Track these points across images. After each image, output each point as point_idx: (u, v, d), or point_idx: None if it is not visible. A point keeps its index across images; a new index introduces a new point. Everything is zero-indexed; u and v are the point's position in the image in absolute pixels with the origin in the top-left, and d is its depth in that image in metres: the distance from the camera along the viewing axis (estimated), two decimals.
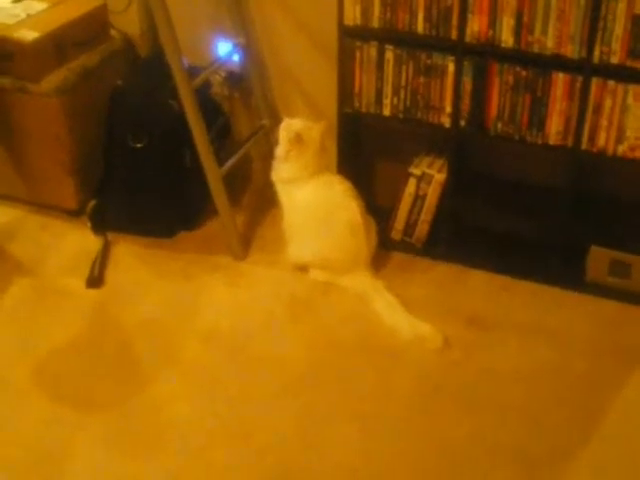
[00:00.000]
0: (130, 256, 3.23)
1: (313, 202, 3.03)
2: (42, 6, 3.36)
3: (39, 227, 3.41)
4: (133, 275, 3.14)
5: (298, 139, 2.95)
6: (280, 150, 3.01)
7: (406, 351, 2.78)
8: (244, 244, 3.22)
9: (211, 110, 3.23)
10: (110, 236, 3.30)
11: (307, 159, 2.99)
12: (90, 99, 3.31)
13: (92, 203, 3.38)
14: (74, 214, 3.42)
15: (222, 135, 3.28)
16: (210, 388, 2.67)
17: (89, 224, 3.34)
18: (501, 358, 2.75)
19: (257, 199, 3.19)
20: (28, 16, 3.28)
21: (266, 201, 3.15)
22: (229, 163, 3.15)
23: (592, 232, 2.98)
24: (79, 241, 3.31)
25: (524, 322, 2.89)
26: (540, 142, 2.84)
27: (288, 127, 2.99)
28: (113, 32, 3.47)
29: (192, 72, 2.99)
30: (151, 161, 3.20)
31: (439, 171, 3.04)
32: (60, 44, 3.21)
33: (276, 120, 3.28)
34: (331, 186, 3.04)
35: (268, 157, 3.14)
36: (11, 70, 3.19)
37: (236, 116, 3.47)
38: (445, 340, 2.79)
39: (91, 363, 2.78)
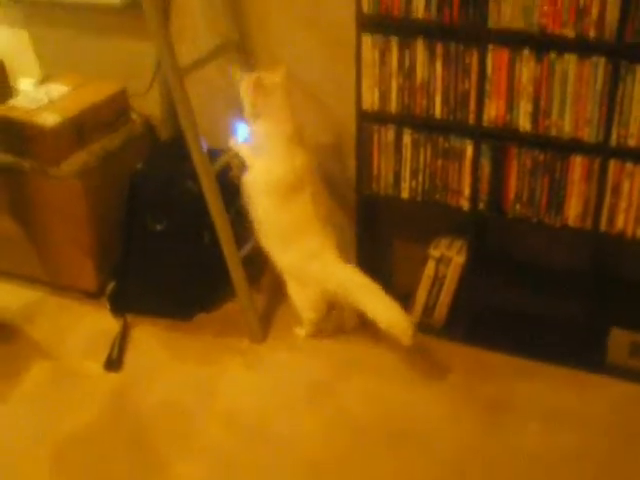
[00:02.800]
0: (149, 338, 3.23)
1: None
2: (64, 90, 3.41)
3: (58, 308, 3.42)
4: (152, 357, 3.13)
5: (259, 84, 2.90)
6: (246, 107, 2.97)
7: (427, 435, 2.75)
8: (263, 326, 3.22)
9: (230, 192, 3.24)
10: (129, 318, 3.30)
11: (277, 107, 2.94)
12: (110, 181, 3.34)
13: (111, 285, 3.39)
14: (93, 296, 3.43)
15: (241, 217, 3.29)
16: (228, 472, 2.65)
17: (108, 306, 3.35)
18: (521, 442, 2.71)
19: (275, 280, 3.19)
20: (50, 100, 3.32)
21: (284, 283, 3.15)
22: (248, 246, 3.16)
23: (612, 314, 2.96)
24: (98, 323, 3.31)
25: (544, 405, 2.86)
26: (559, 224, 2.84)
27: (247, 79, 2.95)
28: (133, 115, 3.52)
29: (211, 155, 3.02)
30: (170, 243, 3.22)
31: (458, 253, 3.05)
32: (81, 128, 3.26)
33: None
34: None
35: None
36: (32, 153, 3.23)
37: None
38: (414, 334, 2.83)
39: (109, 447, 2.76)
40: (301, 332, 3.18)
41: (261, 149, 2.99)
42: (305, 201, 3.01)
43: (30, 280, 3.53)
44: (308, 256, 3.02)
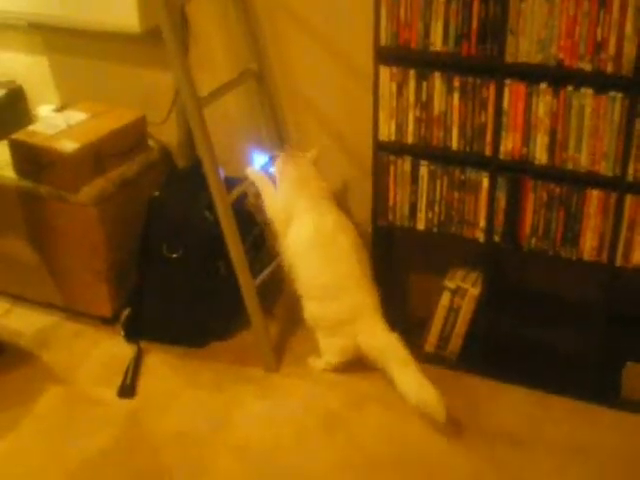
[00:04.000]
0: (163, 365, 3.23)
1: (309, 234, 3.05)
2: (83, 117, 3.43)
3: (73, 334, 3.42)
4: (165, 385, 3.13)
5: (289, 157, 3.06)
6: (277, 175, 3.09)
7: (439, 469, 2.73)
8: (277, 356, 3.21)
9: (246, 220, 3.26)
10: (143, 345, 3.31)
11: (302, 172, 3.06)
12: (127, 208, 3.36)
13: (126, 311, 3.40)
14: (108, 322, 3.43)
15: (257, 246, 3.30)
16: None
17: (122, 332, 3.36)
18: (535, 477, 2.70)
19: (290, 309, 3.19)
20: (69, 126, 3.35)
21: (299, 311, 3.15)
22: (263, 275, 3.17)
23: (627, 348, 2.94)
24: (112, 349, 3.31)
25: (557, 439, 2.84)
26: (574, 258, 2.83)
27: (280, 159, 3.09)
28: (151, 142, 3.54)
29: (228, 183, 3.04)
30: (185, 271, 3.22)
31: (473, 285, 3.04)
32: (99, 155, 3.27)
33: None
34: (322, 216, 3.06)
35: None
36: (50, 179, 3.25)
37: (269, 227, 3.49)
38: (447, 415, 2.80)
39: (120, 474, 2.76)
40: (317, 364, 3.18)
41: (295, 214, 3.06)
42: (348, 257, 3.04)
43: (45, 305, 3.54)
44: (349, 313, 3.04)
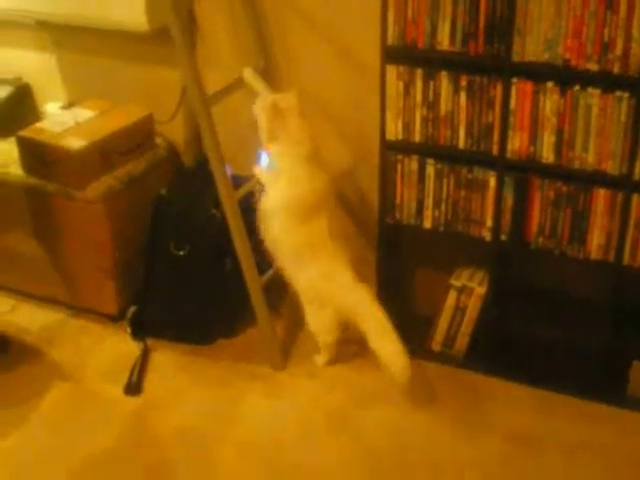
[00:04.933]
0: (169, 363, 3.23)
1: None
2: (90, 114, 3.44)
3: (79, 331, 3.43)
4: (171, 382, 3.14)
5: (275, 108, 2.91)
6: (263, 130, 2.96)
7: (445, 467, 2.73)
8: (283, 354, 3.22)
9: (252, 219, 3.26)
10: (149, 342, 3.31)
11: (294, 129, 2.94)
12: (133, 206, 3.37)
13: (132, 309, 3.40)
14: (114, 319, 3.44)
15: (263, 243, 3.30)
16: None
17: (129, 330, 3.37)
18: (541, 475, 2.70)
19: (296, 307, 3.19)
20: (76, 124, 3.35)
21: (302, 307, 3.15)
22: (269, 272, 3.17)
23: (634, 347, 2.94)
24: (118, 346, 3.32)
25: (563, 437, 2.84)
26: (581, 257, 2.84)
27: (261, 102, 2.96)
28: (158, 140, 3.55)
29: (235, 182, 3.04)
30: (192, 268, 3.23)
31: (480, 284, 3.05)
32: (106, 152, 3.28)
33: None
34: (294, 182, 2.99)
35: None
36: (58, 176, 3.26)
37: None
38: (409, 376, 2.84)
39: (126, 471, 2.76)
40: (320, 360, 3.19)
41: (280, 171, 2.98)
42: (320, 222, 3.00)
43: (52, 302, 3.55)
44: (323, 276, 3.01)
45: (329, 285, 3.01)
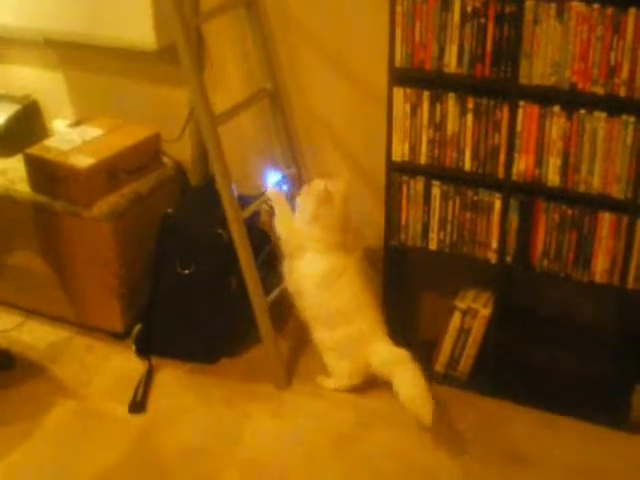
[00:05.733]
0: (173, 381, 3.23)
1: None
2: (97, 132, 3.45)
3: (84, 349, 3.43)
4: (176, 401, 3.14)
5: (327, 195, 2.95)
6: (306, 214, 3.01)
7: None
8: (287, 373, 3.22)
9: (258, 238, 3.27)
10: (154, 360, 3.31)
11: (337, 218, 3.00)
12: (140, 224, 3.37)
13: (137, 327, 3.41)
14: (119, 337, 3.44)
15: (269, 263, 3.31)
16: None
17: (134, 348, 3.37)
18: None
19: (301, 327, 3.19)
20: (83, 142, 3.37)
21: (308, 333, 3.16)
22: (275, 292, 3.17)
23: (637, 371, 2.94)
24: (123, 364, 3.32)
25: (567, 461, 2.83)
26: (586, 280, 2.83)
27: (314, 187, 3.01)
28: (165, 159, 3.56)
29: (242, 201, 3.05)
30: (197, 288, 3.24)
31: (484, 306, 3.05)
32: (113, 171, 3.30)
33: None
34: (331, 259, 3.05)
35: None
36: (64, 194, 3.28)
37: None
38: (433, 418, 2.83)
39: None
40: (326, 384, 3.18)
41: (311, 250, 3.05)
42: (352, 284, 3.06)
43: (57, 319, 3.56)
44: (357, 338, 3.05)
45: (364, 347, 3.05)
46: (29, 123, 3.80)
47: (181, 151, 3.56)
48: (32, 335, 3.51)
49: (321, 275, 3.02)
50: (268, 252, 3.37)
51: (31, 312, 3.61)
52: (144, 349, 3.36)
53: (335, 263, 3.03)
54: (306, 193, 3.03)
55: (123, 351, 3.39)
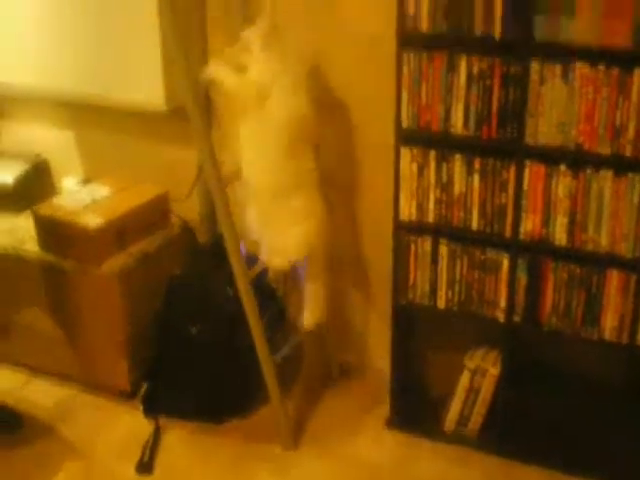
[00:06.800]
0: (181, 442, 3.21)
1: None
2: (106, 191, 3.48)
3: (91, 407, 3.41)
4: (183, 461, 3.11)
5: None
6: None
7: None
8: (295, 433, 3.19)
9: (266, 296, 3.28)
10: (162, 420, 3.30)
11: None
12: (147, 282, 3.38)
13: (145, 386, 3.40)
14: (127, 395, 3.43)
15: (276, 321, 3.31)
16: None
17: (141, 407, 3.36)
18: None
19: (309, 386, 3.19)
20: (93, 201, 3.39)
21: (318, 388, 3.14)
22: (282, 352, 3.18)
23: None
24: (131, 423, 3.30)
25: None
26: (595, 338, 2.83)
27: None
28: (173, 218, 3.58)
29: (249, 259, 3.06)
30: (204, 347, 3.23)
31: (493, 365, 3.03)
32: (122, 230, 3.31)
33: (328, 306, 3.34)
34: None
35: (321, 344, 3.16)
36: (73, 253, 3.29)
37: (290, 301, 3.51)
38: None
39: None
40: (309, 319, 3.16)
41: None
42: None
43: (64, 377, 3.54)
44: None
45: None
46: (39, 181, 3.83)
47: (189, 209, 3.58)
48: (39, 394, 3.49)
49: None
50: (276, 310, 3.37)
51: (37, 370, 3.60)
52: (151, 408, 3.34)
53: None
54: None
55: (130, 410, 3.37)
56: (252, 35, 2.93)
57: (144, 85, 3.32)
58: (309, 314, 3.15)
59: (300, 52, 2.96)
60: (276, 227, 3.01)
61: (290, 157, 2.95)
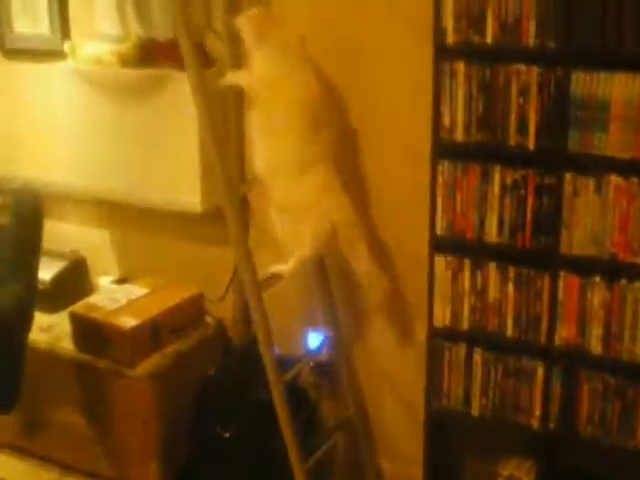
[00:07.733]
0: None
1: None
2: (142, 291, 3.53)
3: None
4: None
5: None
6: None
7: None
8: None
9: (298, 398, 3.26)
10: None
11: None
12: (180, 383, 3.39)
13: None
14: None
15: (309, 424, 3.29)
16: None
17: None
18: None
19: None
20: (128, 301, 3.45)
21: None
22: (315, 456, 3.13)
23: None
24: None
25: None
26: (631, 447, 2.79)
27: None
28: (207, 319, 3.62)
29: (282, 362, 3.06)
30: (237, 450, 3.21)
31: (527, 474, 2.99)
32: (157, 330, 3.35)
33: (362, 411, 3.32)
34: None
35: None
36: (109, 353, 3.33)
37: (323, 404, 3.49)
38: None
39: None
40: (284, 267, 3.04)
41: None
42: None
43: (94, 476, 3.54)
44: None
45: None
46: (76, 279, 3.89)
47: (223, 309, 3.61)
48: None
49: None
50: (308, 412, 3.35)
51: (68, 468, 3.60)
52: None
53: None
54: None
55: None
56: (245, 25, 2.92)
57: (181, 187, 3.39)
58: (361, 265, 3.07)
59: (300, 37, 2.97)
60: (298, 210, 2.98)
61: (304, 138, 2.91)
